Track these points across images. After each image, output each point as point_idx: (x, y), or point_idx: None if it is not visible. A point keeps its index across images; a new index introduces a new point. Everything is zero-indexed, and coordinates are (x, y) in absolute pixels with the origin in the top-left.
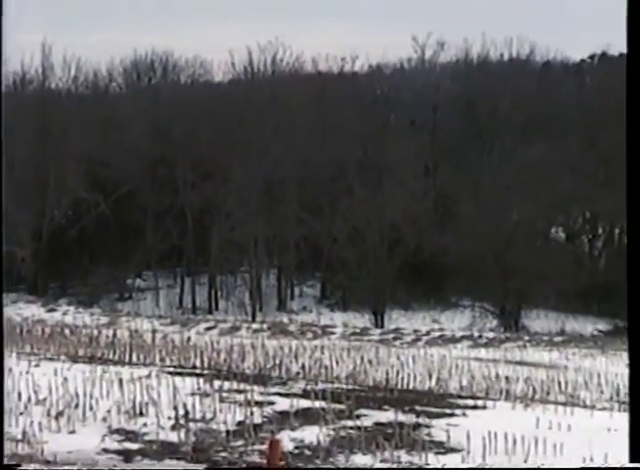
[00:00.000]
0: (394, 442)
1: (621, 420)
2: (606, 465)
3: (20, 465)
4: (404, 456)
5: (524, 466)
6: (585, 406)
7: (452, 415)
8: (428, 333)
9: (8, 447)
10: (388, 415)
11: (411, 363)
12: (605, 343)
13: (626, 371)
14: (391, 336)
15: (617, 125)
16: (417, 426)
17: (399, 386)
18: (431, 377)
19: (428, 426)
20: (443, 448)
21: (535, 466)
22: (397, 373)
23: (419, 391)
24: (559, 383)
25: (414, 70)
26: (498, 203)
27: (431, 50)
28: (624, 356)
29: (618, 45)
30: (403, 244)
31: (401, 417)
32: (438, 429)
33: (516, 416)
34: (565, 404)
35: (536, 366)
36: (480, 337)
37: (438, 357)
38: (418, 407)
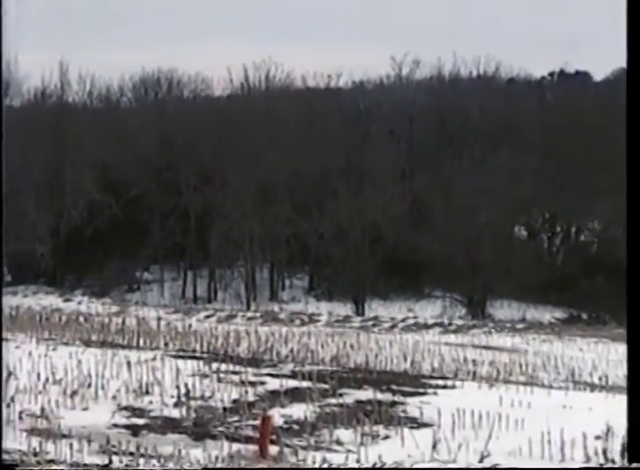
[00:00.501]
0: (373, 417)
1: (576, 398)
2: (608, 465)
3: (18, 465)
4: (382, 431)
5: (523, 466)
6: (544, 386)
7: (425, 394)
8: (403, 320)
9: (28, 422)
10: (367, 394)
11: (388, 347)
12: (561, 329)
13: (579, 354)
14: (371, 323)
15: (573, 136)
16: (393, 403)
17: (378, 367)
18: (406, 360)
19: (403, 403)
20: (417, 424)
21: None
22: (376, 356)
23: (395, 372)
24: (520, 365)
25: (392, 86)
26: (468, 205)
27: (407, 68)
28: (579, 341)
29: (576, 63)
30: (383, 241)
31: (379, 396)
32: (412, 406)
33: (481, 395)
34: (525, 384)
35: (500, 350)
36: (450, 324)
37: (413, 342)
38: (394, 387)
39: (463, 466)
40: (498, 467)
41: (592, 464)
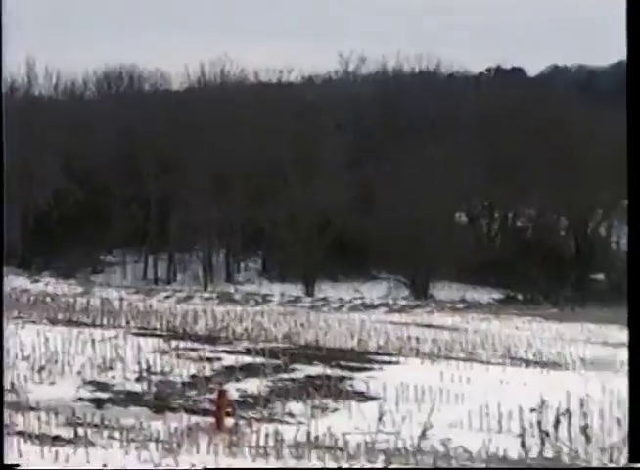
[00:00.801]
0: (323, 391)
1: (512, 374)
2: (613, 465)
3: (19, 465)
4: (331, 404)
5: (525, 466)
6: (482, 362)
7: (371, 369)
8: (351, 301)
9: None
10: (317, 369)
11: (336, 326)
12: (498, 309)
13: (515, 332)
14: (320, 303)
15: (509, 128)
16: (342, 378)
17: (327, 345)
18: (353, 338)
19: (350, 378)
20: (363, 397)
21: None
22: (325, 334)
23: (343, 349)
24: (460, 343)
25: (340, 81)
26: (411, 193)
27: (353, 64)
28: (515, 320)
29: (512, 60)
30: (331, 227)
31: (328, 371)
32: (359, 381)
33: (424, 370)
34: (465, 361)
35: (441, 329)
36: (395, 304)
37: (359, 321)
38: (342, 363)
39: (458, 466)
40: (491, 467)
41: (527, 436)
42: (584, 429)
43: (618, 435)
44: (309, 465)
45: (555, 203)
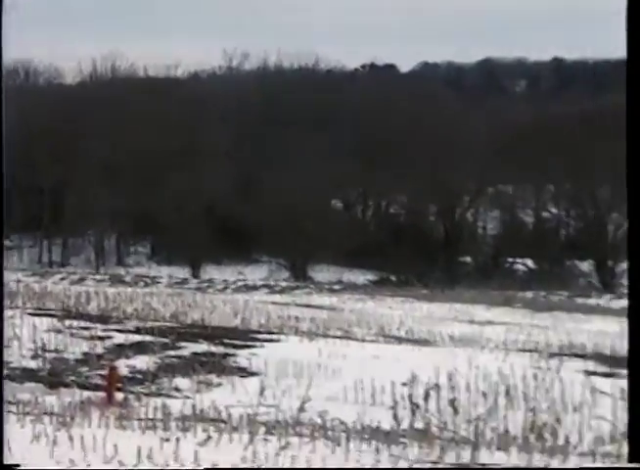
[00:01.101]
0: (207, 367)
1: (385, 350)
2: (618, 465)
3: (19, 465)
4: (215, 379)
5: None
6: (357, 340)
7: (253, 347)
8: (234, 283)
9: None
10: (202, 347)
11: (221, 306)
12: (373, 290)
13: (389, 312)
14: (206, 285)
15: (382, 121)
16: (225, 355)
17: (212, 324)
18: (236, 317)
19: (234, 355)
20: (246, 373)
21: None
22: (211, 314)
23: (227, 328)
24: (337, 321)
25: (224, 76)
26: (291, 180)
27: (237, 60)
28: (388, 301)
29: (385, 57)
30: (215, 213)
31: (213, 348)
32: (242, 357)
33: (303, 347)
34: (341, 338)
35: (320, 308)
36: (276, 285)
37: (243, 302)
38: (226, 341)
39: (457, 465)
40: (488, 466)
41: (399, 408)
42: (452, 402)
43: (484, 407)
44: (196, 436)
45: (425, 190)
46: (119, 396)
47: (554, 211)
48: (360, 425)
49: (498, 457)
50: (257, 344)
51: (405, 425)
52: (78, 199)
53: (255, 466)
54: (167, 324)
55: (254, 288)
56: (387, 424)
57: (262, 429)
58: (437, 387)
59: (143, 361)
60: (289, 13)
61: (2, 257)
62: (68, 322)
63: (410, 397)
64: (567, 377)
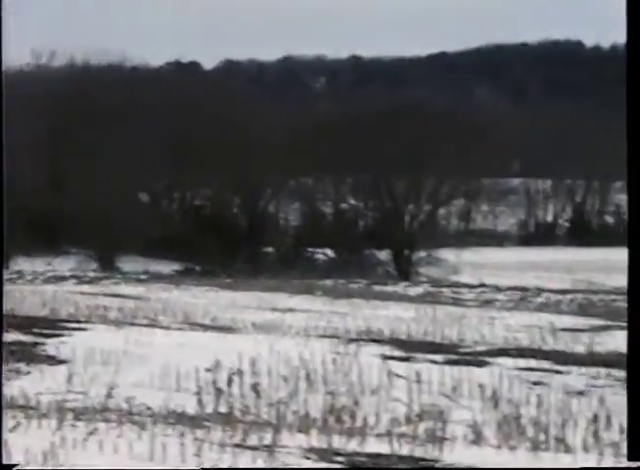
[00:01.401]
0: (17, 356)
1: (191, 337)
2: (608, 465)
3: (18, 465)
4: (24, 367)
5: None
6: (163, 327)
7: (62, 335)
8: (43, 274)
9: None
10: (12, 336)
11: (31, 297)
12: (178, 280)
13: (194, 300)
14: (16, 276)
15: (187, 117)
16: (35, 344)
17: (22, 314)
18: (45, 306)
19: (43, 344)
20: (54, 361)
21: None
22: (21, 303)
23: (37, 317)
24: (143, 310)
25: (31, 74)
26: (98, 174)
27: (45, 58)
28: (193, 290)
29: (189, 55)
30: (26, 205)
31: (23, 337)
32: (51, 346)
33: (111, 336)
34: (148, 326)
35: (127, 298)
36: (85, 276)
37: (52, 292)
38: (36, 330)
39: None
40: (489, 469)
41: (203, 394)
42: (254, 386)
43: (285, 391)
44: (6, 423)
45: (228, 184)
46: None
47: (353, 202)
48: (166, 410)
49: (299, 439)
50: (66, 332)
51: (209, 409)
52: None
53: (249, 466)
54: None
55: (63, 278)
56: (191, 409)
57: (70, 415)
58: (240, 372)
59: None
60: (99, 12)
61: (2, 257)
62: None
63: (214, 382)
64: (364, 361)
